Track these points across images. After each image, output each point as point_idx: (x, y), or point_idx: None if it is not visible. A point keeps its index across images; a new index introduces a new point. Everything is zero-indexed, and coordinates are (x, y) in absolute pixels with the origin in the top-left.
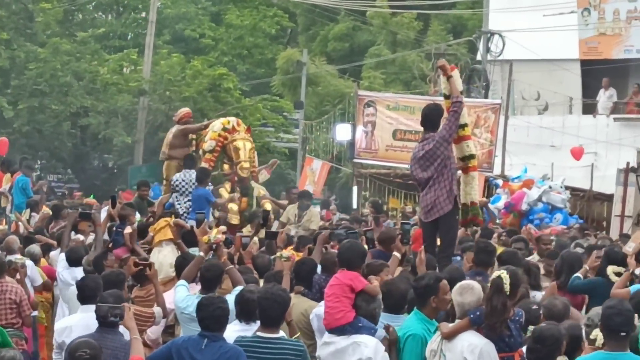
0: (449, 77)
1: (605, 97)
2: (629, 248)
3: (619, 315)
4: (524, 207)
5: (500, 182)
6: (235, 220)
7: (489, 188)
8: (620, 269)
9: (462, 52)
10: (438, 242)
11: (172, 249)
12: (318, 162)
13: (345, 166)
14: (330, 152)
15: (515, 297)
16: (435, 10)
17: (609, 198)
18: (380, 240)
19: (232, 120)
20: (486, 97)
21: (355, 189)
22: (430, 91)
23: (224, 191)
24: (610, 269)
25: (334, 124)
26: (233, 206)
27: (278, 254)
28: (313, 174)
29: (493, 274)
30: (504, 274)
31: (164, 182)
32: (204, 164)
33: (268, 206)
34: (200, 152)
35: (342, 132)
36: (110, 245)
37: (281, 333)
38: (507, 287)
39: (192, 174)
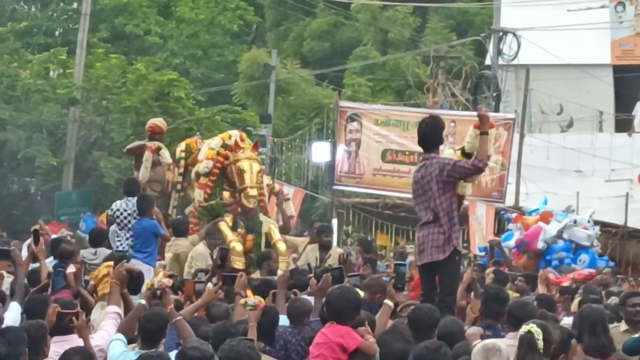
0: (482, 133)
1: None
2: None
3: None
4: (540, 245)
5: (513, 215)
6: (239, 263)
7: (500, 223)
8: None
9: (468, 55)
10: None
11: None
12: (290, 188)
13: (323, 194)
14: (304, 176)
15: (549, 356)
16: (435, 4)
17: None
18: (366, 288)
19: (235, 134)
20: (497, 110)
21: (335, 221)
22: (428, 102)
23: (225, 226)
24: None
25: (310, 142)
26: (236, 246)
27: (242, 300)
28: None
29: (521, 329)
30: (534, 328)
31: None
32: (198, 191)
33: (282, 246)
34: (193, 175)
35: (319, 153)
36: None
37: None
38: (540, 343)
39: (134, 203)
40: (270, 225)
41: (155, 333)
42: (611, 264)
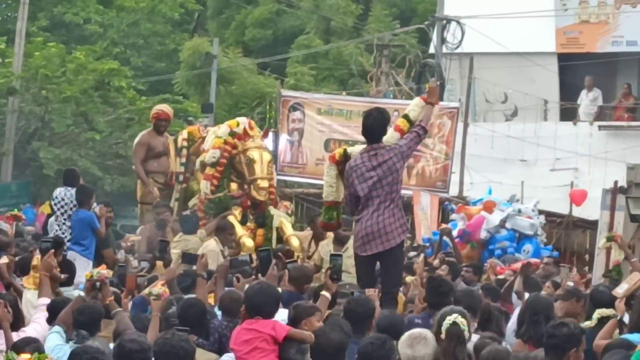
0: (429, 103)
1: (588, 100)
2: (620, 290)
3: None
4: (483, 235)
5: (456, 206)
6: None
7: (444, 213)
8: (610, 312)
9: (411, 44)
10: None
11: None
12: None
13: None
14: None
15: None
16: None
17: (593, 225)
18: (291, 278)
19: (243, 121)
20: (441, 99)
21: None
22: (372, 91)
23: (234, 219)
24: (598, 313)
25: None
26: (247, 241)
27: (146, 290)
28: None
29: (445, 320)
30: (459, 318)
31: (139, 205)
32: (204, 182)
33: (295, 242)
34: (198, 164)
35: None
36: None
37: None
38: (466, 334)
39: (72, 193)
40: (281, 219)
41: (89, 325)
42: (555, 253)
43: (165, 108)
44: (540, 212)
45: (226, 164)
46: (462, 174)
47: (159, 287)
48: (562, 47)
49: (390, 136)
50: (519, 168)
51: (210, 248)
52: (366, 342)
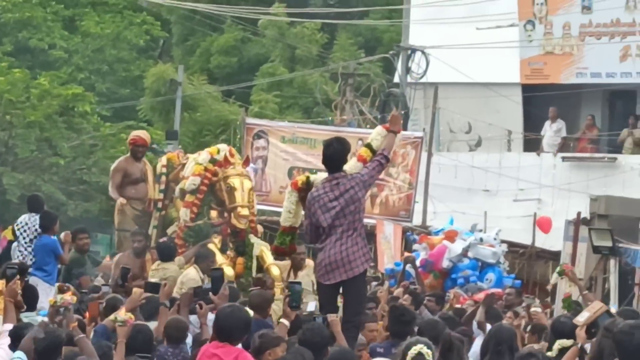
0: (391, 132)
1: (551, 131)
2: (581, 318)
3: None
4: (445, 264)
5: (418, 236)
6: None
7: (406, 243)
8: (571, 343)
9: (376, 73)
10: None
11: None
12: None
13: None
14: None
15: None
16: (343, 20)
17: (555, 256)
18: (252, 305)
19: (224, 148)
20: (405, 128)
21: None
22: (336, 120)
23: (214, 247)
24: (558, 344)
25: None
26: (227, 270)
27: (112, 316)
28: None
29: (411, 351)
30: (424, 349)
31: (116, 232)
32: (184, 210)
33: (275, 271)
34: (177, 191)
35: None
36: None
37: None
38: None
39: (36, 219)
40: (262, 247)
41: (48, 353)
42: (517, 282)
43: (143, 134)
44: (503, 242)
45: (206, 192)
46: (425, 203)
47: (123, 314)
48: (526, 78)
49: (353, 165)
50: (482, 198)
51: (191, 276)
52: None
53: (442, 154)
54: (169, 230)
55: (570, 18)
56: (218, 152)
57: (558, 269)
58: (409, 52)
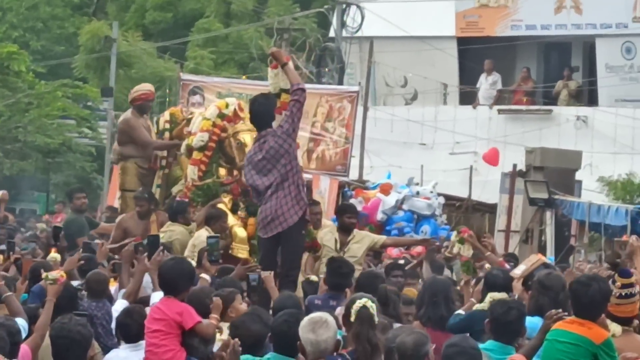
0: (283, 65)
1: (487, 84)
2: (518, 271)
3: (461, 354)
4: (380, 217)
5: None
6: (243, 252)
7: (343, 198)
8: (503, 296)
9: (312, 27)
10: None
11: None
12: None
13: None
14: None
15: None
16: None
17: (492, 209)
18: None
19: (232, 102)
20: (341, 83)
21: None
22: None
23: (224, 207)
24: (490, 297)
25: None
26: (239, 231)
27: (44, 274)
28: None
29: (355, 304)
30: (368, 302)
31: (120, 193)
32: (191, 168)
33: None
34: (183, 148)
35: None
36: None
37: None
38: (376, 318)
39: None
40: None
41: None
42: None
43: (151, 87)
44: (440, 195)
45: (215, 148)
46: (362, 157)
47: (57, 272)
48: (461, 31)
49: (281, 118)
50: (419, 152)
51: (202, 239)
52: (280, 321)
53: (378, 108)
54: (174, 190)
55: None
56: (227, 106)
57: (456, 236)
58: (344, 6)
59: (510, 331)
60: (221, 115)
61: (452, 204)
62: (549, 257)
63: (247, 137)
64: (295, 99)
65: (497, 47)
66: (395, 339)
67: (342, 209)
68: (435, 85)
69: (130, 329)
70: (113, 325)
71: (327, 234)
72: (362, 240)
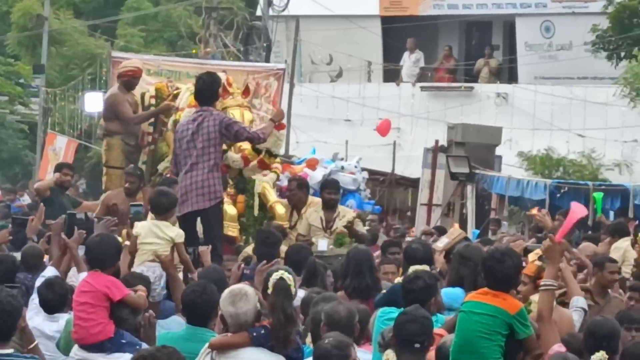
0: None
1: (410, 62)
2: (440, 244)
3: (413, 322)
4: None
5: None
6: (233, 230)
7: None
8: (425, 268)
9: (239, 6)
10: None
11: None
12: (63, 139)
13: (97, 144)
14: (77, 126)
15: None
16: None
17: (414, 183)
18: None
19: (221, 77)
20: (267, 60)
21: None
22: (200, 53)
23: None
24: (412, 270)
25: (83, 93)
26: (228, 209)
27: None
28: (56, 156)
29: (272, 276)
30: (285, 274)
31: (105, 169)
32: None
33: (280, 209)
34: (170, 124)
35: (92, 102)
36: None
37: (11, 349)
38: (293, 289)
39: None
40: (264, 184)
41: None
42: (377, 208)
43: (139, 64)
44: (364, 169)
45: None
46: (288, 133)
47: None
48: (385, 10)
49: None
50: (344, 128)
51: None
52: (188, 291)
53: (304, 85)
54: (160, 167)
55: None
56: None
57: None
58: None
59: (416, 300)
60: None
61: (376, 178)
62: (473, 230)
63: (237, 112)
64: (252, 134)
65: (420, 26)
66: (321, 308)
67: (323, 185)
68: (359, 63)
69: (50, 301)
70: None
71: (312, 213)
72: (345, 216)
